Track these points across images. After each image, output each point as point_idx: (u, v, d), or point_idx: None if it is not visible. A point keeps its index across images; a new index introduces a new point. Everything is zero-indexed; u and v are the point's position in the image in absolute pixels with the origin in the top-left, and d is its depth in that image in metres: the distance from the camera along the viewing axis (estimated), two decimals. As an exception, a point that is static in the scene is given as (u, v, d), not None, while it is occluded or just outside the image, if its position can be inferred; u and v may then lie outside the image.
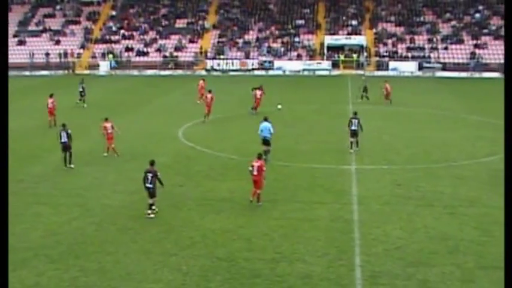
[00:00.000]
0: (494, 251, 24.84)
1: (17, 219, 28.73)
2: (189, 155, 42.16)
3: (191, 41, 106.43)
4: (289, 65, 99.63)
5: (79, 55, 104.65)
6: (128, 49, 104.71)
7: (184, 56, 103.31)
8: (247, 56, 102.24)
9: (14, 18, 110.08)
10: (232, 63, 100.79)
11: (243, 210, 30.20)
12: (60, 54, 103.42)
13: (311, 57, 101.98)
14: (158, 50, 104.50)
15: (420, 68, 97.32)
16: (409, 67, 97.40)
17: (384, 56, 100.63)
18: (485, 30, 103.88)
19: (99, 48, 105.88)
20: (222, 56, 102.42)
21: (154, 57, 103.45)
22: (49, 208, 30.98)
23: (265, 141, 39.71)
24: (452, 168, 38.58)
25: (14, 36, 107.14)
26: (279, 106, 60.06)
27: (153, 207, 29.49)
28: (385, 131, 50.19)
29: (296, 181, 35.37)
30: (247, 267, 23.40)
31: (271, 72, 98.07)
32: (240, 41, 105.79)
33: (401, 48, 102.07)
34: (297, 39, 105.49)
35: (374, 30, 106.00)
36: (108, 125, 41.64)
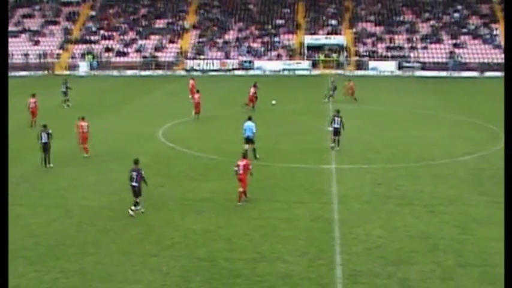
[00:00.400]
0: (474, 249, 25.01)
1: (-4, 220, 28.56)
2: (169, 155, 42.10)
3: (171, 41, 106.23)
4: (269, 65, 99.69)
5: (58, 55, 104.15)
6: (108, 49, 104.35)
7: (164, 56, 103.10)
8: (227, 56, 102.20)
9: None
10: (212, 63, 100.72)
11: (223, 211, 30.20)
12: (39, 55, 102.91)
13: (291, 57, 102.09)
14: (138, 50, 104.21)
15: (400, 67, 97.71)
16: (388, 67, 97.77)
17: (363, 56, 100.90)
18: (464, 30, 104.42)
19: (79, 48, 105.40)
20: (201, 56, 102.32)
21: (134, 57, 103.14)
22: (28, 209, 30.83)
23: (248, 140, 39.85)
24: (431, 167, 38.74)
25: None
26: (273, 102, 61.39)
27: (139, 206, 29.57)
28: (364, 130, 50.33)
29: (276, 181, 35.38)
30: (227, 268, 23.40)
31: (251, 72, 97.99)
32: (220, 41, 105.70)
33: (380, 47, 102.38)
34: (276, 39, 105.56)
35: (353, 30, 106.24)
36: (84, 124, 41.59)
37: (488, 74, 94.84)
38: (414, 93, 74.23)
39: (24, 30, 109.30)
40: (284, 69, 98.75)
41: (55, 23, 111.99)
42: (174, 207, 30.80)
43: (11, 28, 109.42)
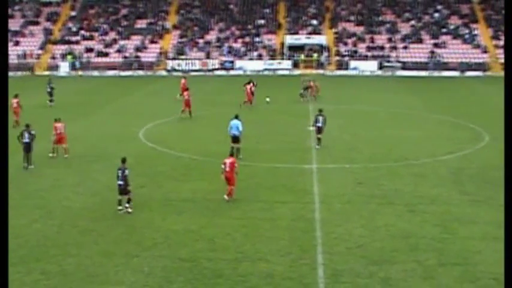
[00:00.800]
0: (455, 248, 25.12)
1: (-23, 222, 28.40)
2: (151, 156, 41.99)
3: (152, 42, 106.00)
4: (250, 65, 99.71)
5: (38, 56, 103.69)
6: (88, 50, 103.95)
7: (146, 57, 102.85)
8: (208, 56, 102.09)
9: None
10: (193, 64, 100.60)
11: (205, 211, 30.16)
12: (19, 55, 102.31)
13: (272, 57, 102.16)
14: (118, 50, 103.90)
15: (380, 67, 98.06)
16: (369, 66, 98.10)
17: (344, 56, 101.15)
18: (444, 30, 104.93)
19: (59, 49, 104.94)
20: (182, 56, 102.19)
21: (114, 57, 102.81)
22: (9, 210, 30.62)
23: (234, 139, 39.92)
24: (412, 166, 38.88)
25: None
26: (267, 99, 62.51)
27: (127, 204, 29.75)
28: (346, 130, 50.45)
29: (258, 181, 35.39)
30: (209, 268, 23.38)
31: (232, 72, 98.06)
32: (201, 41, 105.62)
33: (361, 47, 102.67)
34: (257, 39, 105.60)
35: (334, 30, 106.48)
36: (59, 125, 41.49)
37: (468, 73, 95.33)
38: (395, 93, 74.48)
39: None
40: (265, 69, 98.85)
41: (35, 23, 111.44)
42: (156, 208, 30.73)
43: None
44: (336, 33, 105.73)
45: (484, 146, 44.74)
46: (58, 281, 22.45)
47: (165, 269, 23.35)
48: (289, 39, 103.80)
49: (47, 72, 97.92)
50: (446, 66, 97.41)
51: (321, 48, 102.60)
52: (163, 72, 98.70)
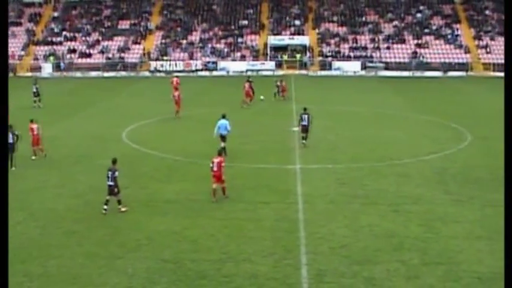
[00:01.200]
0: (438, 247, 25.17)
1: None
2: (134, 157, 41.84)
3: (135, 42, 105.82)
4: (233, 66, 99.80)
5: (21, 57, 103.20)
6: (71, 51, 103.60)
7: (129, 58, 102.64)
8: (191, 57, 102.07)
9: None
10: (176, 64, 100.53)
11: (188, 212, 30.11)
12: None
13: (255, 57, 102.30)
14: (101, 51, 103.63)
15: (363, 67, 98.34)
16: (352, 67, 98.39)
17: (327, 56, 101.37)
18: (427, 30, 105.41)
19: (42, 50, 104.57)
20: (165, 57, 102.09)
21: (97, 58, 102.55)
22: (-8, 213, 30.50)
23: (222, 138, 40.17)
24: (396, 166, 38.96)
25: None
26: (262, 97, 63.46)
27: (119, 206, 29.75)
28: (329, 130, 50.48)
29: (241, 181, 35.32)
30: (193, 269, 23.32)
31: (215, 73, 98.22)
32: (184, 42, 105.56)
33: (344, 48, 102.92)
34: (240, 39, 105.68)
35: (317, 31, 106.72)
36: (34, 126, 41.40)
37: (450, 73, 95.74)
38: (378, 93, 74.70)
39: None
40: (248, 70, 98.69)
41: (17, 24, 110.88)
42: (139, 209, 30.62)
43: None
44: (318, 33, 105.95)
45: (466, 145, 44.91)
46: (41, 283, 22.33)
47: (148, 270, 23.27)
48: (272, 40, 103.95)
49: (29, 74, 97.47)
50: (429, 67, 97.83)
51: (304, 49, 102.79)
52: (147, 73, 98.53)
